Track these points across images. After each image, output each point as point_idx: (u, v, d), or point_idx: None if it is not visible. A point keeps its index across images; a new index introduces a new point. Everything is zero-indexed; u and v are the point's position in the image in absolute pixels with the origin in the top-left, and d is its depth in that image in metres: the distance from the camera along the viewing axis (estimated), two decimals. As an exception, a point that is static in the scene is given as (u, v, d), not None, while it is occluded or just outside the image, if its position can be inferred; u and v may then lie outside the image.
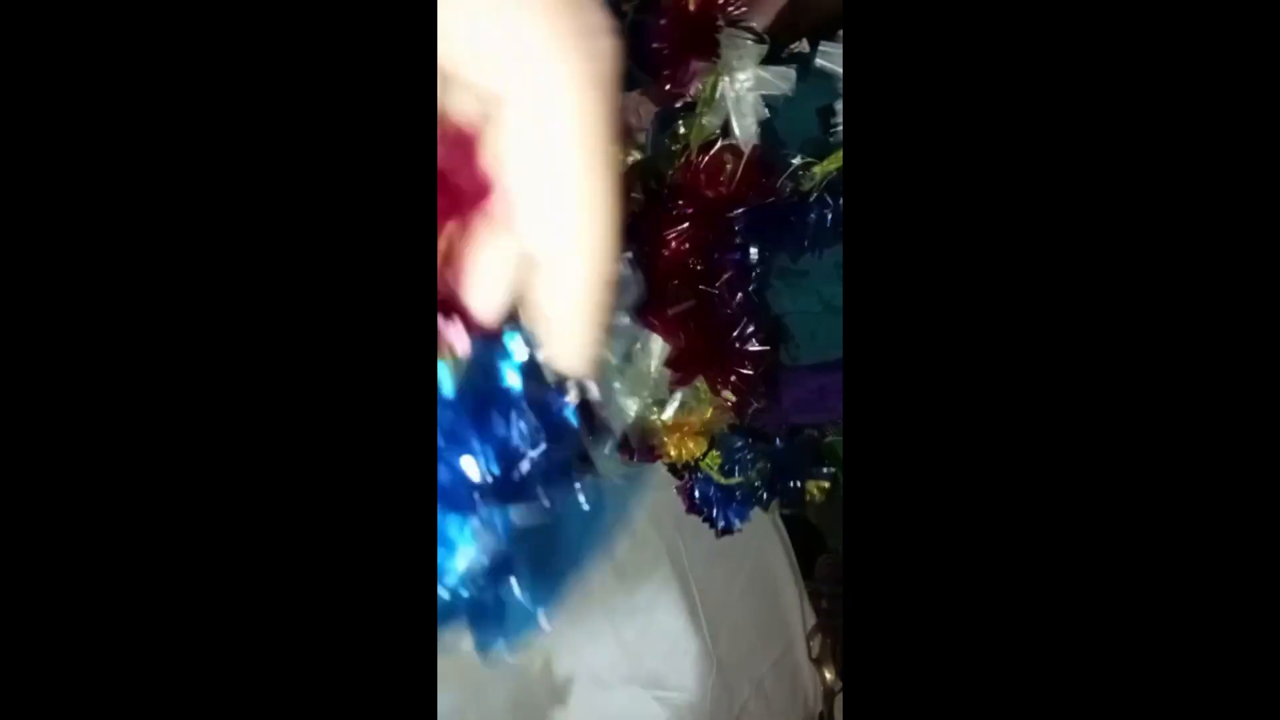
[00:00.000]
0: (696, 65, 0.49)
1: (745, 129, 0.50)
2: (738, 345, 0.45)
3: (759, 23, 0.47)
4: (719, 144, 0.46)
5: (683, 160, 0.47)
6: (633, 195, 0.56)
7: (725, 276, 0.46)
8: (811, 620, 0.66)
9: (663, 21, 0.47)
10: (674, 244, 0.46)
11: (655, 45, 0.47)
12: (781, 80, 0.51)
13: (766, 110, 0.50)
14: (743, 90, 0.50)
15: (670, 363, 0.44)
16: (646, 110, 0.55)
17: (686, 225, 0.45)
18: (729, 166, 0.44)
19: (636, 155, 0.57)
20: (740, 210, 0.45)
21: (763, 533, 0.67)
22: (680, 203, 0.45)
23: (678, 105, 0.52)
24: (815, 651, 0.64)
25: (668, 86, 0.49)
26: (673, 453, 0.56)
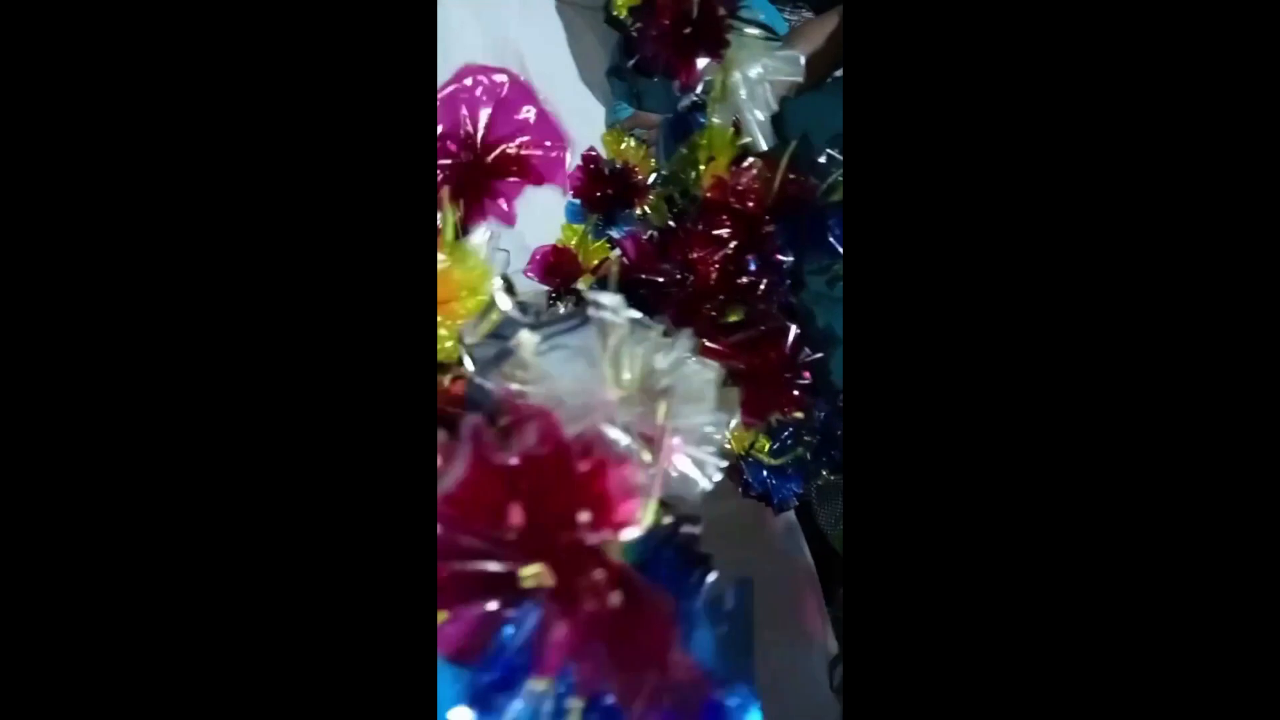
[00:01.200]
0: (703, 63, 0.46)
1: (759, 125, 0.48)
2: (791, 356, 0.45)
3: (802, 51, 0.44)
4: (750, 158, 0.44)
5: (705, 170, 0.45)
6: (651, 217, 0.54)
7: (764, 288, 0.46)
8: (835, 649, 0.66)
9: (666, 22, 0.44)
10: (712, 263, 0.44)
11: (657, 49, 0.44)
12: (789, 66, 0.48)
13: (775, 105, 0.48)
14: (753, 83, 0.48)
15: (744, 405, 0.44)
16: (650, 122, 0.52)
17: (727, 242, 0.43)
18: (765, 179, 0.43)
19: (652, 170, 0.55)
20: (776, 223, 0.44)
21: (786, 561, 0.67)
22: (714, 219, 0.44)
23: (686, 106, 0.49)
24: (837, 681, 0.65)
25: (678, 89, 0.46)
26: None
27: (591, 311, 0.26)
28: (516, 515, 0.18)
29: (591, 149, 0.63)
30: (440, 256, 0.36)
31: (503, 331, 0.26)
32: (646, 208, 0.55)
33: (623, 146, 0.64)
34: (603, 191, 0.63)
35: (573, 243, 0.64)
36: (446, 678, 0.22)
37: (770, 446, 0.63)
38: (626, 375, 0.24)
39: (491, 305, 0.27)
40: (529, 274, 0.64)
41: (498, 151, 0.39)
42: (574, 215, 0.67)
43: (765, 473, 0.63)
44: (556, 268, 0.64)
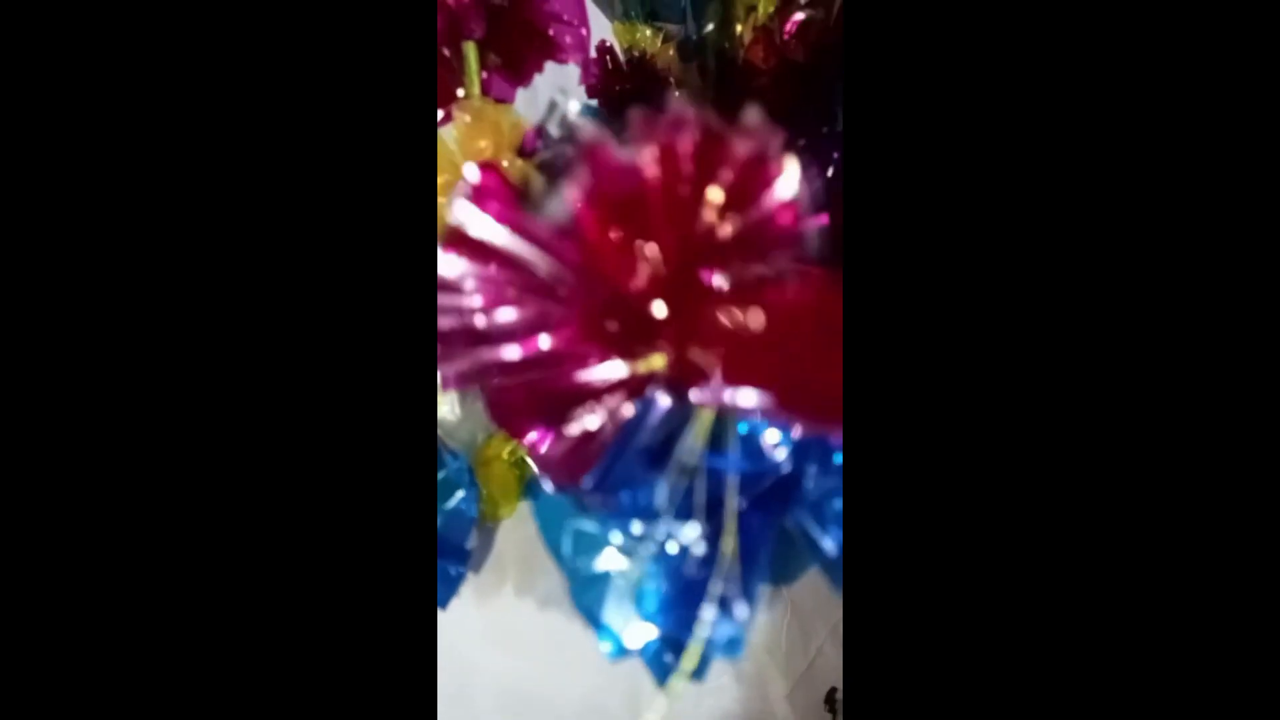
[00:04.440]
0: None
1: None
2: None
3: None
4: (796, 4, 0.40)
5: (744, 28, 0.41)
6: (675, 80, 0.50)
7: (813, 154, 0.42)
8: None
9: None
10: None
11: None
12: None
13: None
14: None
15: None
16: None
17: (776, 101, 0.40)
18: (818, 24, 0.39)
19: (671, 49, 0.51)
20: (826, 71, 0.40)
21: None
22: (757, 81, 0.40)
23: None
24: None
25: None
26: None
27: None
28: (647, 257, 0.15)
29: (604, 41, 0.59)
30: (467, 117, 0.33)
31: (574, 135, 0.23)
32: (675, 92, 0.51)
33: (637, 36, 0.60)
34: (620, 87, 0.59)
35: (593, 144, 0.60)
36: (552, 499, 0.20)
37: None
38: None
39: (552, 109, 0.24)
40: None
41: (532, 8, 0.35)
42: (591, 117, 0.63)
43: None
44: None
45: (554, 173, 0.22)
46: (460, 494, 0.34)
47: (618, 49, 0.60)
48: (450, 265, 0.16)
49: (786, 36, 0.39)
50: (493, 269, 0.16)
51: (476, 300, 0.16)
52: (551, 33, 0.37)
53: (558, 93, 0.24)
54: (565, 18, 0.37)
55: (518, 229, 0.15)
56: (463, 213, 0.15)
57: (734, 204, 0.15)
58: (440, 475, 0.33)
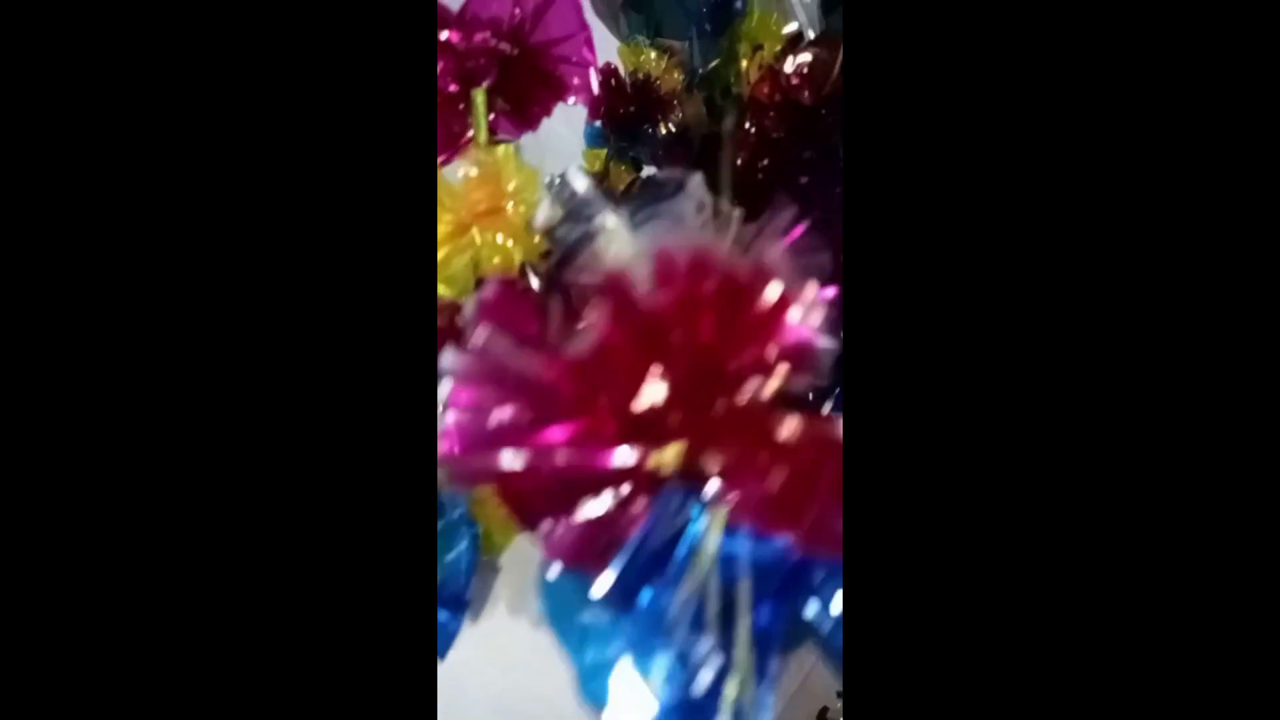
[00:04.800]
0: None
1: (805, 6, 0.44)
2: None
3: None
4: (803, 41, 0.40)
5: (750, 65, 0.41)
6: (686, 115, 0.50)
7: (818, 184, 0.42)
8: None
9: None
10: (763, 166, 0.41)
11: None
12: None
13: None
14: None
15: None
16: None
17: (781, 140, 0.40)
18: (822, 64, 0.39)
19: (677, 72, 0.51)
20: (829, 111, 0.40)
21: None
22: (759, 118, 0.40)
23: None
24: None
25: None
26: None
27: (678, 185, 0.23)
28: (661, 381, 0.15)
29: (608, 64, 0.59)
30: (471, 168, 0.33)
31: (582, 211, 0.23)
32: (679, 115, 0.51)
33: (642, 58, 0.59)
34: (624, 109, 0.59)
35: (596, 168, 0.60)
36: (562, 588, 0.20)
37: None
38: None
39: (562, 185, 0.24)
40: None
41: (541, 53, 0.35)
42: (594, 139, 0.63)
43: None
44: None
45: (561, 248, 0.22)
46: (462, 545, 0.34)
47: (622, 71, 0.60)
48: (457, 366, 0.16)
49: (793, 77, 0.39)
50: (503, 374, 0.16)
51: (484, 401, 0.16)
52: (559, 74, 0.37)
53: (566, 169, 0.24)
54: (574, 59, 0.37)
55: (533, 345, 0.15)
56: (478, 334, 0.16)
57: (752, 334, 0.15)
58: (440, 524, 0.33)
